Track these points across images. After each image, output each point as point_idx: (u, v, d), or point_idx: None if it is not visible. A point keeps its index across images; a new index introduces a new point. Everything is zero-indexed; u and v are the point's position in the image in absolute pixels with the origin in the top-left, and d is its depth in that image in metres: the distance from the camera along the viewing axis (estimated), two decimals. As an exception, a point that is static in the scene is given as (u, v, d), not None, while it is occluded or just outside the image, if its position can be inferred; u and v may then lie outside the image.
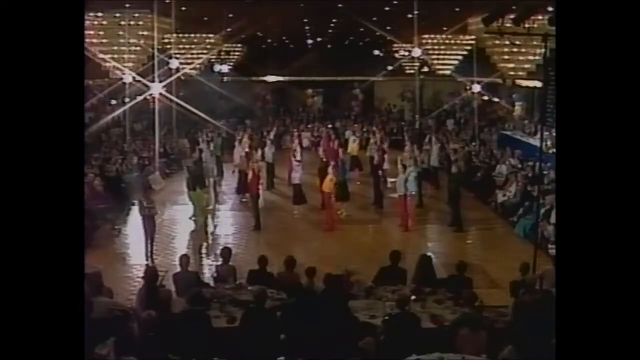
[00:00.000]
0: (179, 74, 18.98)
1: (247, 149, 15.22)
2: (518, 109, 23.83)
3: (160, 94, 16.38)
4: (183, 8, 17.16)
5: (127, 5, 17.30)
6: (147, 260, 9.53)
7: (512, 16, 8.39)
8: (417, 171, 12.19)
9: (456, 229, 11.59)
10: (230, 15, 19.44)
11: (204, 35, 23.49)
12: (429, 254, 8.41)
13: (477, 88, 20.56)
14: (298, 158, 14.25)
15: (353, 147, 16.86)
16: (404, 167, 11.95)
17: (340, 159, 13.79)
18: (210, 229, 11.53)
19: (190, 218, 11.71)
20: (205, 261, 9.79)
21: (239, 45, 26.84)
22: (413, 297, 6.22)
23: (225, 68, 26.20)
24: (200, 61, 23.40)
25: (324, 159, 14.00)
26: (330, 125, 24.75)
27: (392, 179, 12.64)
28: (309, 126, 24.86)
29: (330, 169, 12.08)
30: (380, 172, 13.50)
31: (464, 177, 12.33)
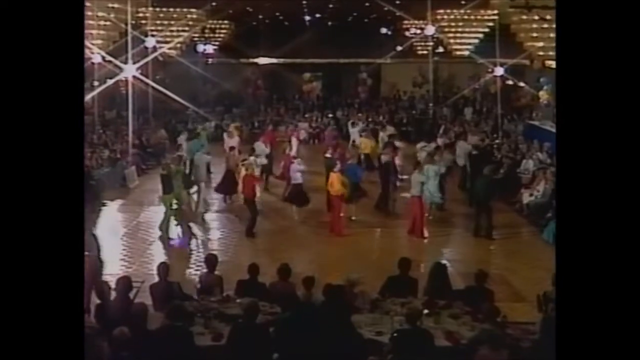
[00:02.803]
0: (155, 54, 18.98)
1: (235, 143, 15.27)
2: (547, 95, 23.86)
3: (135, 77, 16.36)
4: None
5: (96, -27, 17.33)
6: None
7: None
8: (439, 171, 12.11)
9: (474, 233, 11.61)
10: (216, -13, 19.51)
11: (185, 9, 23.52)
12: (443, 261, 8.45)
13: (500, 71, 20.55)
14: (294, 154, 14.28)
15: (365, 143, 16.64)
16: (419, 164, 11.98)
17: (349, 160, 13.72)
18: (195, 230, 11.55)
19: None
20: (188, 270, 9.81)
21: (225, 21, 26.90)
22: (425, 311, 6.25)
23: (209, 48, 26.26)
24: (180, 40, 23.44)
25: (330, 156, 13.82)
26: (331, 115, 24.83)
27: (404, 176, 12.68)
28: (307, 116, 24.89)
29: (338, 167, 11.94)
30: (389, 171, 13.52)
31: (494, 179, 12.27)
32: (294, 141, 15.04)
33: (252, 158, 13.25)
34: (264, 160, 14.36)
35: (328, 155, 13.56)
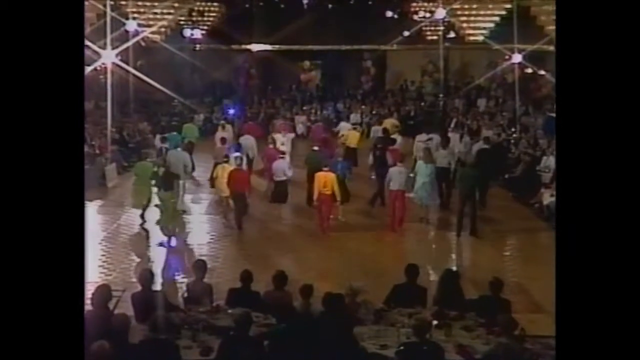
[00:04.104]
0: (137, 39, 18.96)
1: (227, 135, 15.43)
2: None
3: (114, 64, 16.36)
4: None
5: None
6: None
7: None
8: (432, 171, 12.45)
9: (456, 233, 11.77)
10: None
11: (170, -10, 23.49)
12: (455, 268, 8.46)
13: (518, 58, 20.59)
14: (282, 148, 14.51)
15: (353, 136, 16.79)
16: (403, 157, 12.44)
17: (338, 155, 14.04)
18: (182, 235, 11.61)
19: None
20: (174, 277, 9.83)
21: (215, 3, 26.81)
22: (435, 323, 6.27)
23: (197, 33, 26.19)
24: (165, 23, 23.39)
25: (317, 149, 14.04)
26: (331, 107, 24.87)
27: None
28: (305, 108, 24.91)
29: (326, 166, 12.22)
30: (382, 167, 13.70)
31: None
32: (279, 136, 15.31)
33: (233, 156, 13.50)
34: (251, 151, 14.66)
35: (316, 148, 13.78)
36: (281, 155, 13.64)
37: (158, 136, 16.84)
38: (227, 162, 12.87)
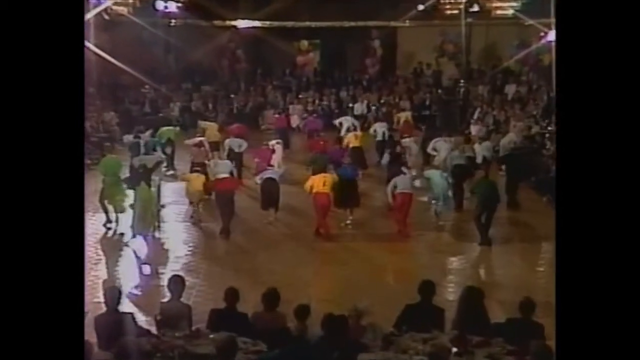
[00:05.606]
0: (99, 9, 18.95)
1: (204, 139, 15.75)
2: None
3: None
4: None
5: None
6: None
7: None
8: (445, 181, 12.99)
9: (482, 242, 11.96)
10: None
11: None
12: (478, 285, 8.49)
13: (554, 36, 20.60)
14: (272, 147, 14.84)
15: (356, 136, 17.14)
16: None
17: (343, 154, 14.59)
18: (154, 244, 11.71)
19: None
20: (146, 296, 9.86)
21: (194, -29, 26.88)
22: (454, 350, 6.29)
23: (173, 5, 26.23)
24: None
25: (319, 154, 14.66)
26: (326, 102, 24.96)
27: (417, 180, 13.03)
28: (301, 96, 24.98)
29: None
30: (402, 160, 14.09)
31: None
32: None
33: (212, 162, 13.93)
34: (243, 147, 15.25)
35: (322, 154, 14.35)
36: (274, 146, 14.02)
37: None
38: (200, 171, 13.26)
